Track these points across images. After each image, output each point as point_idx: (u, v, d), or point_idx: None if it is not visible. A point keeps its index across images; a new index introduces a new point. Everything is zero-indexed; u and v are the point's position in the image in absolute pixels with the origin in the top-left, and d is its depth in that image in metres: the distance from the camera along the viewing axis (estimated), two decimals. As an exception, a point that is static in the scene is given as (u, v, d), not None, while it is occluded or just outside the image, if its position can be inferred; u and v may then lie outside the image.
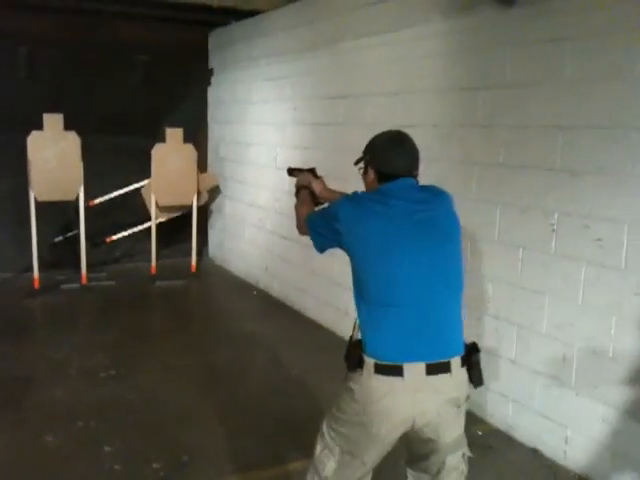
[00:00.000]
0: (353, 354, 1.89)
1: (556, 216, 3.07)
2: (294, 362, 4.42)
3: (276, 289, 5.99)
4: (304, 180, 2.46)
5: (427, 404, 1.86)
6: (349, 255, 1.96)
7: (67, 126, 5.75)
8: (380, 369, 1.84)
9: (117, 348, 4.61)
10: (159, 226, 6.41)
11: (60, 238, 6.49)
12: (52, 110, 5.70)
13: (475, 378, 1.94)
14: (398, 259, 1.87)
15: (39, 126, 5.67)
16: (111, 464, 3.06)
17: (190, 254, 6.64)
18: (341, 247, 1.98)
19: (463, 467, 2.06)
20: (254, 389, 4.00)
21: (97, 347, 4.62)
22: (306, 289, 5.45)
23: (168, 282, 6.39)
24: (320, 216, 2.09)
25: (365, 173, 2.07)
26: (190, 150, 6.32)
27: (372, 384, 1.85)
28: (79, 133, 5.78)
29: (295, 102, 5.46)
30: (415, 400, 1.84)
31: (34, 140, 5.65)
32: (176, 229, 6.82)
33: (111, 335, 4.89)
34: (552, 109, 3.07)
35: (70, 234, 6.40)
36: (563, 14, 2.99)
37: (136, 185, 6.43)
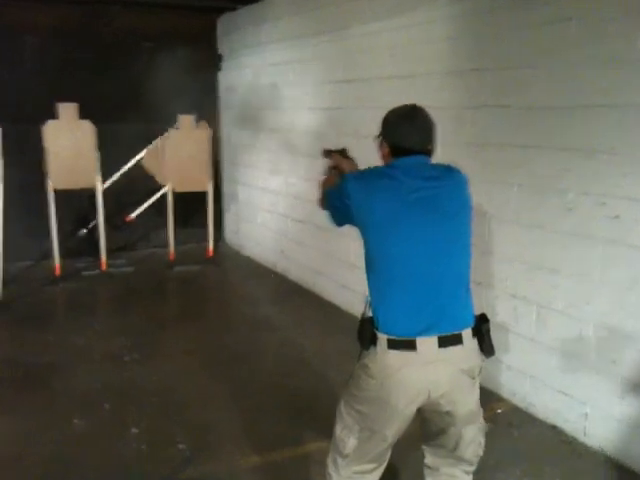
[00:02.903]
0: (366, 331, 1.93)
1: (571, 195, 3.08)
2: (311, 344, 4.49)
3: (293, 272, 6.04)
4: (335, 161, 2.47)
5: (441, 375, 1.90)
6: (359, 230, 1.99)
7: (80, 115, 5.81)
8: (393, 344, 1.88)
9: (138, 332, 4.70)
10: (176, 211, 6.43)
11: (84, 231, 6.56)
12: (62, 100, 5.74)
13: (486, 348, 1.97)
14: (404, 233, 1.90)
15: (50, 116, 5.71)
16: (138, 445, 3.15)
17: (206, 239, 6.71)
18: (352, 222, 2.01)
19: (480, 439, 2.11)
20: (271, 371, 4.06)
21: (119, 332, 4.71)
22: (323, 272, 5.49)
23: (186, 267, 6.46)
24: (335, 191, 2.11)
25: (380, 147, 2.10)
26: (203, 135, 6.34)
27: (386, 359, 1.89)
28: (91, 122, 5.84)
29: (305, 87, 5.46)
30: (428, 371, 1.88)
31: (50, 129, 5.71)
32: (192, 215, 6.88)
33: (132, 320, 4.98)
34: (565, 89, 3.06)
35: (91, 225, 6.45)
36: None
37: (137, 158, 6.36)
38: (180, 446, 3.13)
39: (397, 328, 1.89)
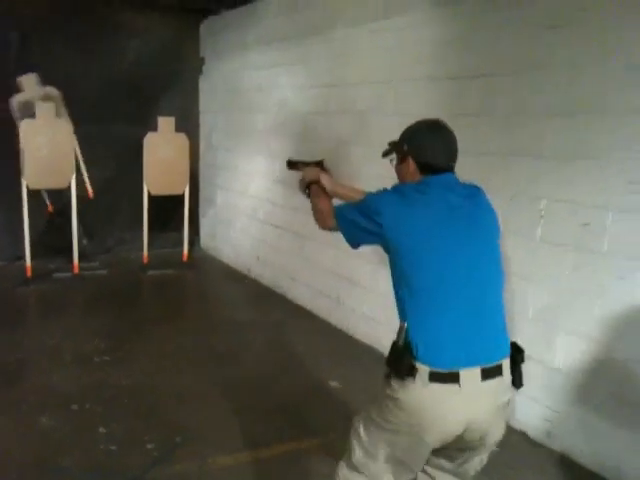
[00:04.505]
0: (403, 361, 1.74)
1: (544, 202, 3.14)
2: (286, 346, 4.48)
3: (268, 278, 6.04)
4: (312, 175, 2.33)
5: (481, 410, 1.78)
6: (392, 250, 1.85)
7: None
8: (435, 377, 1.71)
9: (111, 334, 4.64)
10: (151, 215, 6.38)
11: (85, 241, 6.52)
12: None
13: (518, 379, 1.85)
14: (445, 253, 1.79)
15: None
16: (106, 445, 3.10)
17: (182, 244, 6.67)
18: (380, 242, 1.88)
19: (484, 456, 2.01)
20: (247, 372, 4.05)
21: (91, 334, 4.64)
22: (298, 278, 5.50)
23: (160, 271, 6.42)
24: (354, 209, 1.95)
25: (401, 164, 1.99)
26: (182, 139, 6.33)
27: (425, 393, 1.73)
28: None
29: (287, 90, 5.49)
30: (469, 407, 1.75)
31: (27, 127, 5.65)
32: (168, 219, 6.85)
33: (105, 322, 4.92)
34: (540, 97, 3.14)
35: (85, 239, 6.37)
36: (551, 2, 3.05)
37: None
38: (149, 446, 3.10)
39: (441, 358, 1.73)
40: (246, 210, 6.47)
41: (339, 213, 2.04)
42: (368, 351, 4.41)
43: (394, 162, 2.03)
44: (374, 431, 1.86)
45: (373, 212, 1.85)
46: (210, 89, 7.19)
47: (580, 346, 3.03)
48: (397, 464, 1.86)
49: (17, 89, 5.87)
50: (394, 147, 2.02)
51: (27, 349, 4.34)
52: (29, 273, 5.80)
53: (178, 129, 6.28)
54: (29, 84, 5.90)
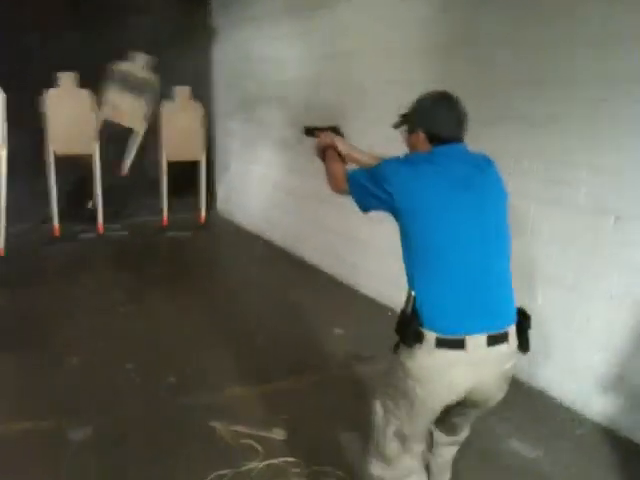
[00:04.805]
0: (410, 328, 1.79)
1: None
2: (294, 300, 4.84)
3: (278, 239, 6.41)
4: (328, 139, 2.33)
5: (485, 376, 1.83)
6: (400, 218, 1.88)
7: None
8: (441, 343, 1.76)
9: (132, 288, 5.04)
10: (170, 182, 6.74)
11: (90, 206, 6.87)
12: (61, 70, 6.04)
13: (524, 345, 1.89)
14: (454, 221, 1.81)
15: (50, 85, 6.01)
16: (132, 378, 3.50)
17: (199, 208, 7.04)
18: (390, 209, 1.90)
19: (479, 414, 2.09)
20: (257, 320, 4.41)
21: (114, 287, 5.05)
22: (305, 237, 5.86)
23: (178, 233, 6.81)
24: (365, 175, 1.97)
25: (411, 135, 2.01)
26: (198, 107, 6.66)
27: (432, 359, 1.78)
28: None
29: (294, 60, 5.77)
30: (474, 372, 1.80)
31: (51, 97, 6.00)
32: (186, 185, 7.21)
33: (127, 277, 5.33)
34: (516, 66, 3.40)
35: (92, 201, 6.76)
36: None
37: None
38: (171, 379, 3.49)
39: (446, 325, 1.77)
40: (258, 176, 6.80)
41: (351, 178, 2.06)
42: (371, 303, 4.76)
43: (404, 133, 2.06)
44: (389, 402, 1.94)
45: (383, 180, 1.88)
46: (223, 60, 7.47)
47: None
48: (404, 437, 1.93)
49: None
50: (404, 119, 2.06)
51: (56, 300, 4.75)
52: (57, 233, 6.22)
53: (193, 98, 6.60)
54: (137, 59, 6.23)
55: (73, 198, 6.77)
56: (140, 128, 6.32)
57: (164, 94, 6.55)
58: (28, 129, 6.07)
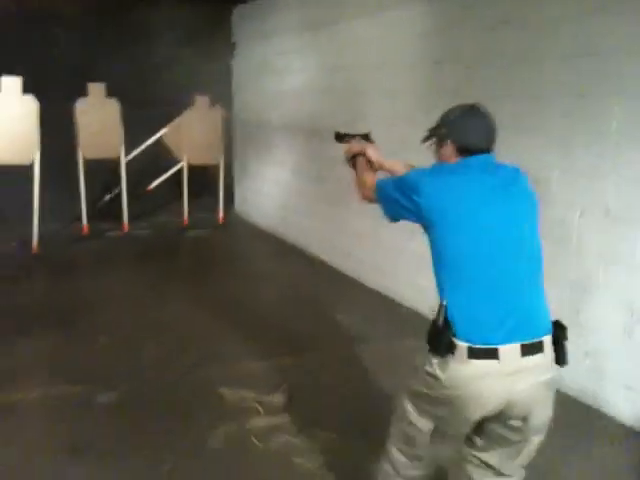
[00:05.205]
0: (442, 339, 1.76)
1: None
2: (302, 291, 5.25)
3: (291, 237, 6.83)
4: (358, 147, 2.33)
5: (522, 386, 1.77)
6: (429, 229, 1.87)
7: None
8: (474, 353, 1.74)
9: (154, 280, 5.48)
10: (191, 184, 7.23)
11: (106, 199, 7.40)
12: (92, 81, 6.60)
13: (561, 357, 1.84)
14: (486, 231, 1.81)
15: (79, 94, 6.55)
16: (153, 354, 3.93)
17: (218, 209, 7.50)
18: (418, 220, 1.89)
19: (532, 447, 1.94)
20: (266, 308, 4.82)
21: (139, 279, 5.51)
22: (316, 235, 6.27)
23: (198, 231, 7.28)
24: (393, 185, 1.98)
25: (440, 147, 1.99)
26: (217, 114, 7.15)
27: (464, 370, 1.76)
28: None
29: (302, 72, 6.23)
30: (509, 383, 1.76)
31: (81, 106, 6.52)
32: (206, 188, 7.70)
33: (149, 271, 5.79)
34: (499, 81, 3.77)
35: (114, 192, 7.27)
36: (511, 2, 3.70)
37: (157, 135, 7.21)
38: (187, 355, 3.91)
39: (479, 335, 1.75)
40: (273, 178, 7.24)
41: (379, 187, 2.05)
42: (375, 295, 5.12)
43: (432, 146, 2.05)
44: (419, 404, 1.93)
45: (411, 190, 1.87)
46: (242, 72, 7.98)
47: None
48: (441, 436, 1.95)
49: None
50: (433, 132, 2.04)
51: (85, 292, 5.21)
52: (86, 231, 6.73)
53: (214, 106, 7.10)
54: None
55: (99, 199, 7.31)
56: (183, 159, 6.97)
57: (186, 103, 7.05)
58: (60, 135, 6.57)
